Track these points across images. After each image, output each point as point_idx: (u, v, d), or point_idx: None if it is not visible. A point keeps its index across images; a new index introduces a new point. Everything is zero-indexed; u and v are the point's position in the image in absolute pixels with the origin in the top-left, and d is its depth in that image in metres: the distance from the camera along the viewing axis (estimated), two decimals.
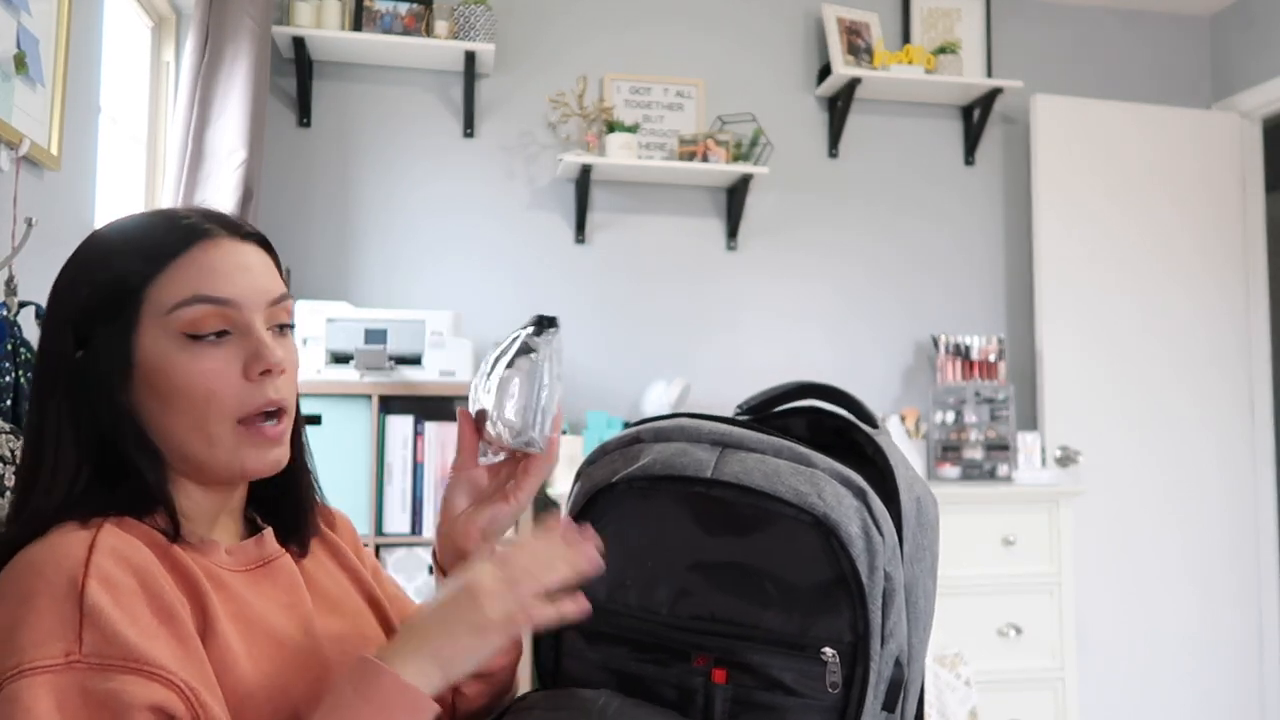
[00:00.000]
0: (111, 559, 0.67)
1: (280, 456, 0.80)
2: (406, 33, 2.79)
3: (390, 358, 2.39)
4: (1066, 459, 3.02)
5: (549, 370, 0.79)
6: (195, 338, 0.74)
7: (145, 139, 2.43)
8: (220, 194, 2.20)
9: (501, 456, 0.88)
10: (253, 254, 0.80)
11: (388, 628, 0.89)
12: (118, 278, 0.75)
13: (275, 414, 0.78)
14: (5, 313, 1.32)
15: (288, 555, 0.84)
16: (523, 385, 0.79)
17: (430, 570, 2.34)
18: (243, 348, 0.76)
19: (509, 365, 0.80)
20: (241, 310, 0.76)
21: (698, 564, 0.78)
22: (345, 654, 0.79)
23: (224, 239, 0.78)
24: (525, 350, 0.80)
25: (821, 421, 0.93)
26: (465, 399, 0.87)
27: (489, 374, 0.82)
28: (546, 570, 0.73)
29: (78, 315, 0.75)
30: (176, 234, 0.76)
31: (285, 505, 0.86)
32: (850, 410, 0.92)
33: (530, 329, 0.80)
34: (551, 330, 0.80)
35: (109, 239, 0.79)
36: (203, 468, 0.77)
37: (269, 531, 0.84)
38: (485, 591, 0.71)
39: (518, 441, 0.80)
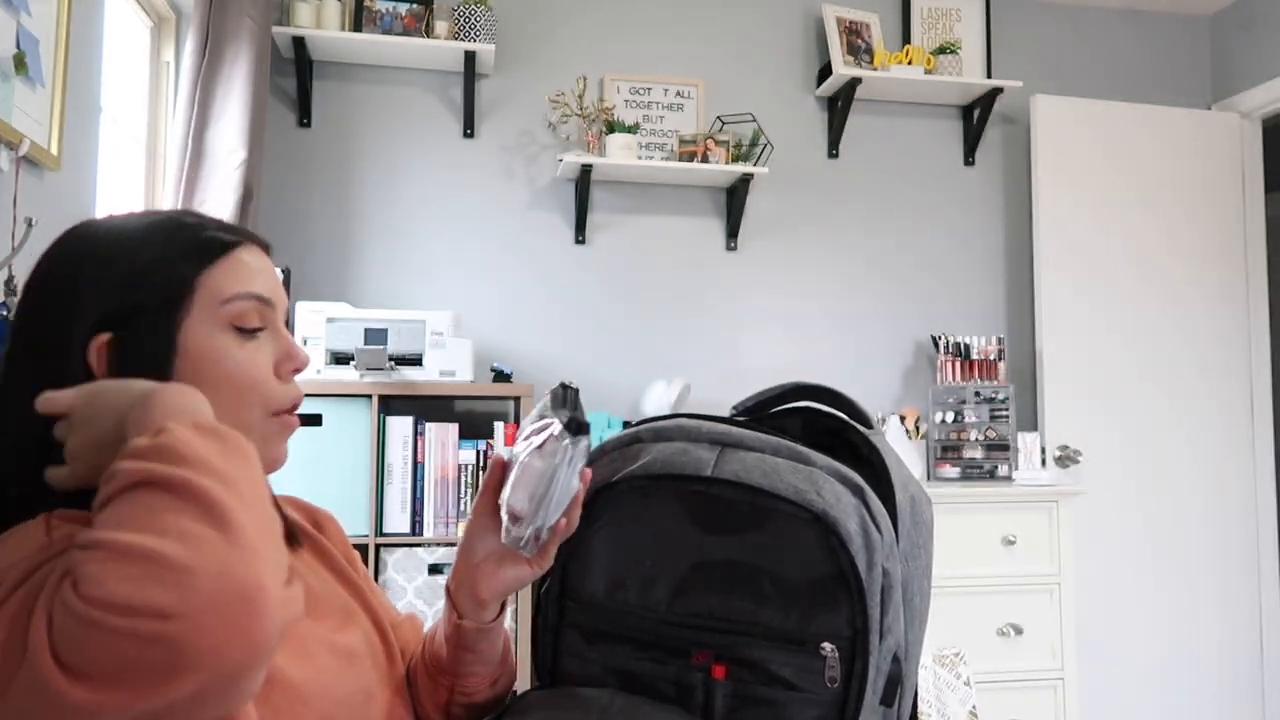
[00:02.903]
0: None
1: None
2: (406, 33, 2.79)
3: (390, 358, 2.39)
4: (1066, 459, 3.02)
5: (565, 473, 0.75)
6: (241, 330, 0.77)
7: (145, 139, 2.43)
8: (220, 194, 2.20)
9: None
10: (270, 261, 0.84)
11: (380, 629, 0.89)
12: (166, 265, 0.75)
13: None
14: (5, 313, 1.32)
15: None
16: (532, 481, 0.75)
17: (430, 570, 2.34)
18: (274, 346, 0.80)
19: (537, 448, 0.75)
20: (275, 310, 0.81)
21: (697, 562, 0.78)
22: (334, 653, 0.79)
23: (252, 244, 0.81)
24: (554, 440, 0.75)
25: (817, 422, 0.93)
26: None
27: (523, 440, 0.78)
28: None
29: (106, 302, 0.74)
30: (222, 232, 0.80)
31: None
32: (845, 411, 0.92)
33: (565, 423, 0.75)
34: (581, 436, 0.75)
35: (129, 231, 0.78)
36: None
37: None
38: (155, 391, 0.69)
39: (508, 538, 0.77)
